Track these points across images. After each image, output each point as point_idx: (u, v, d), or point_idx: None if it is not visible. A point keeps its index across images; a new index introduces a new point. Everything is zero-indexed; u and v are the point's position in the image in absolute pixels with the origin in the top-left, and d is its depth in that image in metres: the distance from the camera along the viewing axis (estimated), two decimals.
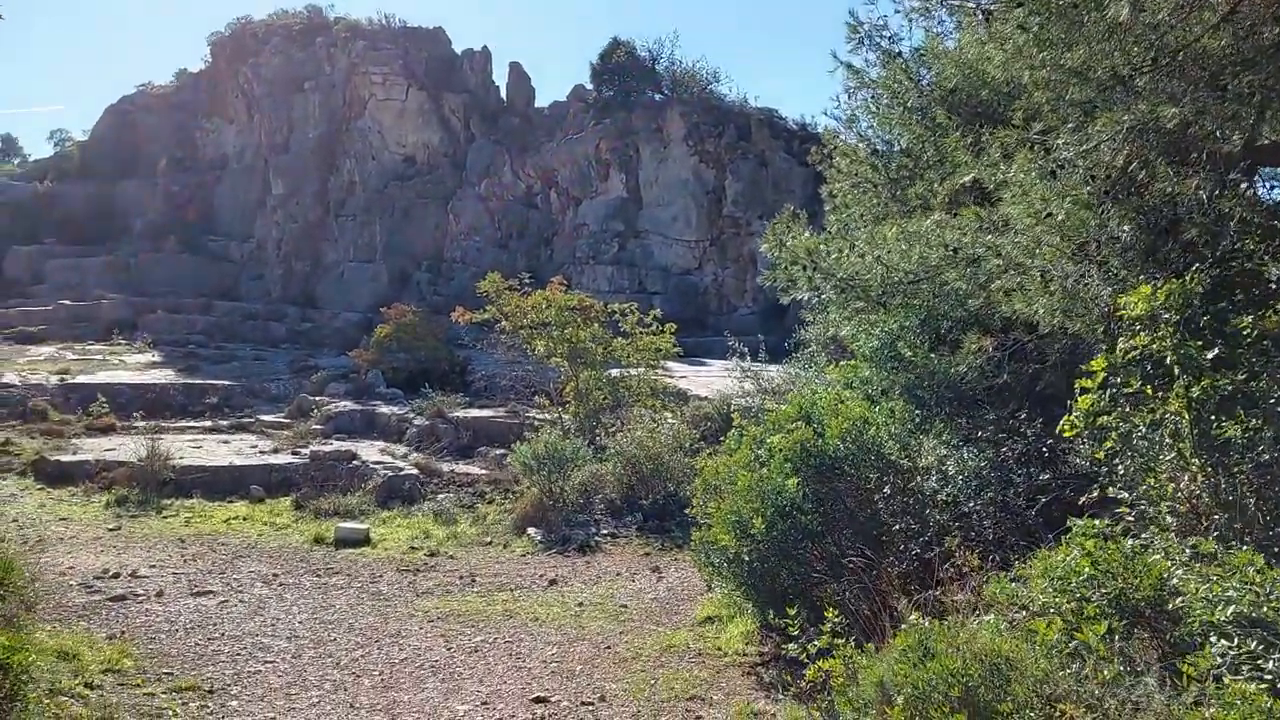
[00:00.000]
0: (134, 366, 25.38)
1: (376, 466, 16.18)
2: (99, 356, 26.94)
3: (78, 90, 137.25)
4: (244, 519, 13.74)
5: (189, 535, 12.54)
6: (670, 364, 19.16)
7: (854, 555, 6.31)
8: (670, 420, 16.01)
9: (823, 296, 8.36)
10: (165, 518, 13.75)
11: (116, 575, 10.00)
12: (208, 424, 20.32)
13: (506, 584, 10.00)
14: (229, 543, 12.13)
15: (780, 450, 6.92)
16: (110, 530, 12.73)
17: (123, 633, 7.81)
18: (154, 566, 10.60)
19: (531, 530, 12.19)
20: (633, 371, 17.50)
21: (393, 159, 39.93)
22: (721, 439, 13.71)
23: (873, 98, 10.63)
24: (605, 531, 12.20)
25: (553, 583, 10.06)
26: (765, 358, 15.89)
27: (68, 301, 34.09)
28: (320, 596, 9.31)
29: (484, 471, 16.52)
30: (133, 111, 48.52)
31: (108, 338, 30.23)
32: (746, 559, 6.75)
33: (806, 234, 8.62)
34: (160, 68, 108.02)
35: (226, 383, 23.17)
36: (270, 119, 42.03)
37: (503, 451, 17.12)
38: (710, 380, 21.45)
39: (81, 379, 22.40)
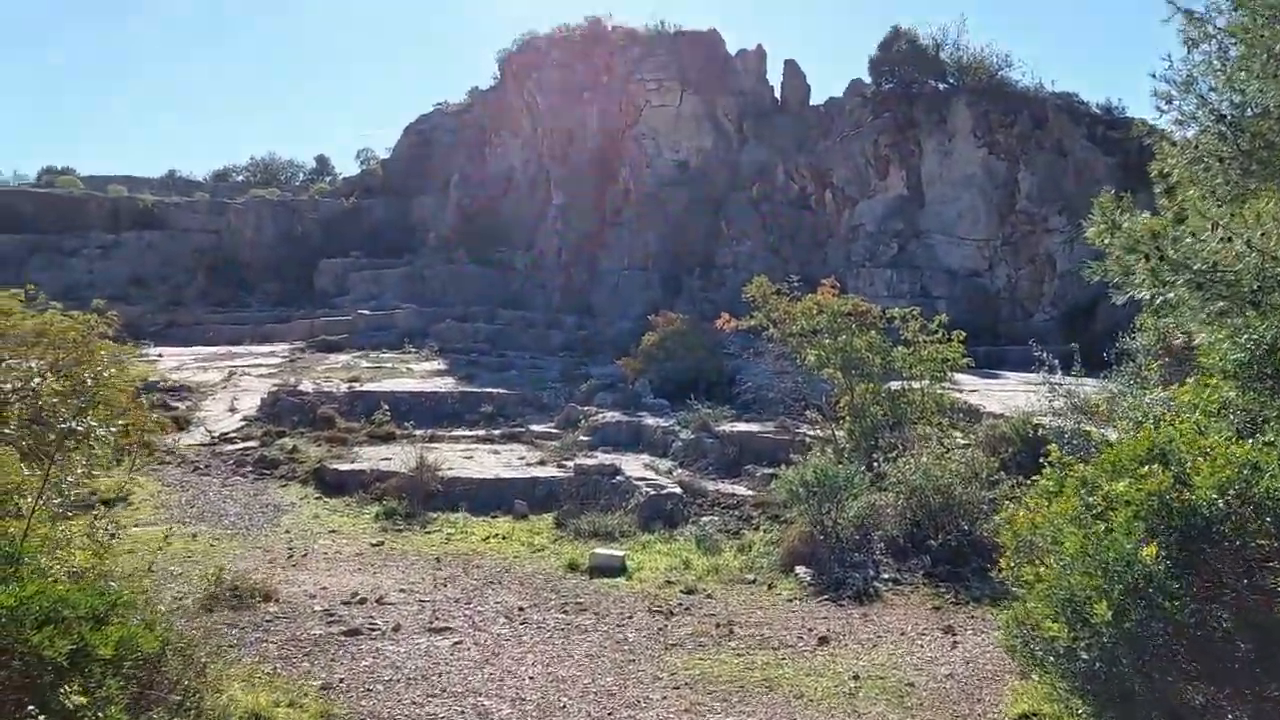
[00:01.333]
0: (419, 374, 26.12)
1: (639, 483, 15.37)
2: (389, 364, 27.98)
3: (385, 112, 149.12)
4: (503, 538, 13.24)
5: (446, 555, 12.13)
6: (958, 376, 17.15)
7: (1239, 654, 4.54)
8: (960, 441, 14.14)
9: (1171, 294, 6.51)
10: (428, 533, 13.51)
11: (363, 601, 9.57)
12: (481, 433, 20.35)
13: (769, 639, 8.68)
14: (483, 565, 11.59)
15: (1130, 504, 5.19)
16: (373, 546, 12.57)
17: (340, 681, 7.20)
18: (403, 590, 10.14)
19: (800, 569, 10.81)
20: (915, 385, 15.68)
21: (666, 165, 39.59)
22: (1026, 469, 11.76)
23: (1219, 50, 8.45)
24: (886, 575, 10.61)
25: (823, 641, 8.63)
26: (1080, 370, 13.63)
27: (366, 311, 36.00)
28: (561, 642, 8.40)
29: (750, 492, 15.32)
30: (429, 130, 51.14)
31: (400, 346, 31.47)
32: (1084, 656, 5.08)
33: (1146, 215, 6.80)
34: (456, 87, 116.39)
35: (501, 391, 23.28)
36: (552, 131, 42.81)
37: (771, 471, 15.79)
38: (1006, 395, 19.19)
39: (369, 387, 23.17)
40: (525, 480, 16.04)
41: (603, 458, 17.30)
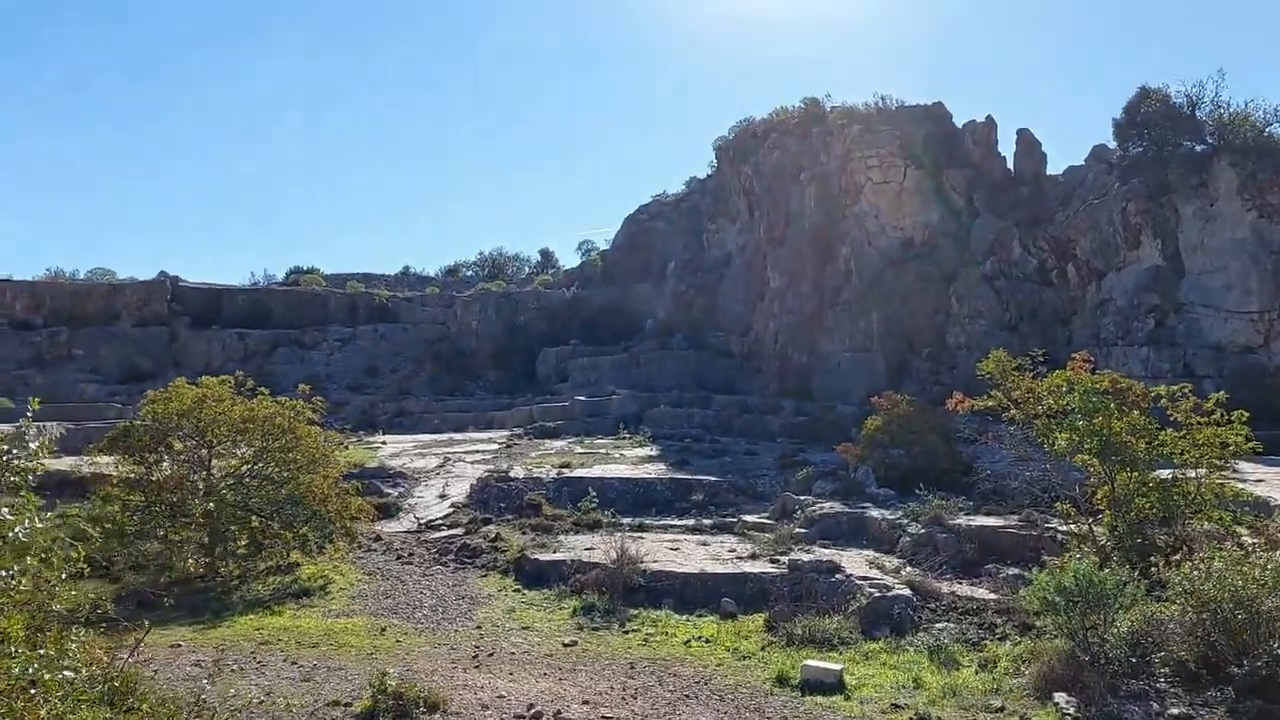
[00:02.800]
0: (630, 460, 25.36)
1: (862, 583, 13.72)
2: (603, 450, 27.42)
3: (606, 206, 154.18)
4: (707, 641, 11.92)
5: (641, 660, 10.91)
6: (1240, 464, 14.55)
7: None
8: (1246, 539, 11.74)
9: None
10: (626, 633, 12.38)
11: (538, 716, 8.47)
12: (690, 522, 19.24)
13: None
14: (681, 674, 10.29)
15: None
16: (565, 646, 11.53)
17: None
18: (587, 703, 8.98)
19: (1060, 697, 8.86)
20: (1189, 474, 13.31)
21: (890, 243, 37.84)
22: None
23: None
24: (1175, 711, 8.46)
25: None
26: None
27: (583, 397, 36.00)
28: None
29: (992, 596, 13.35)
30: (647, 220, 51.86)
31: (615, 432, 31.05)
32: None
33: None
34: (674, 178, 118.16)
35: (713, 478, 22.12)
36: (769, 214, 42.14)
37: (1016, 571, 13.85)
38: None
39: (579, 473, 22.57)
40: (734, 576, 14.71)
41: (820, 553, 15.74)
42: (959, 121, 39.23)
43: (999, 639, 11.48)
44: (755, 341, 41.15)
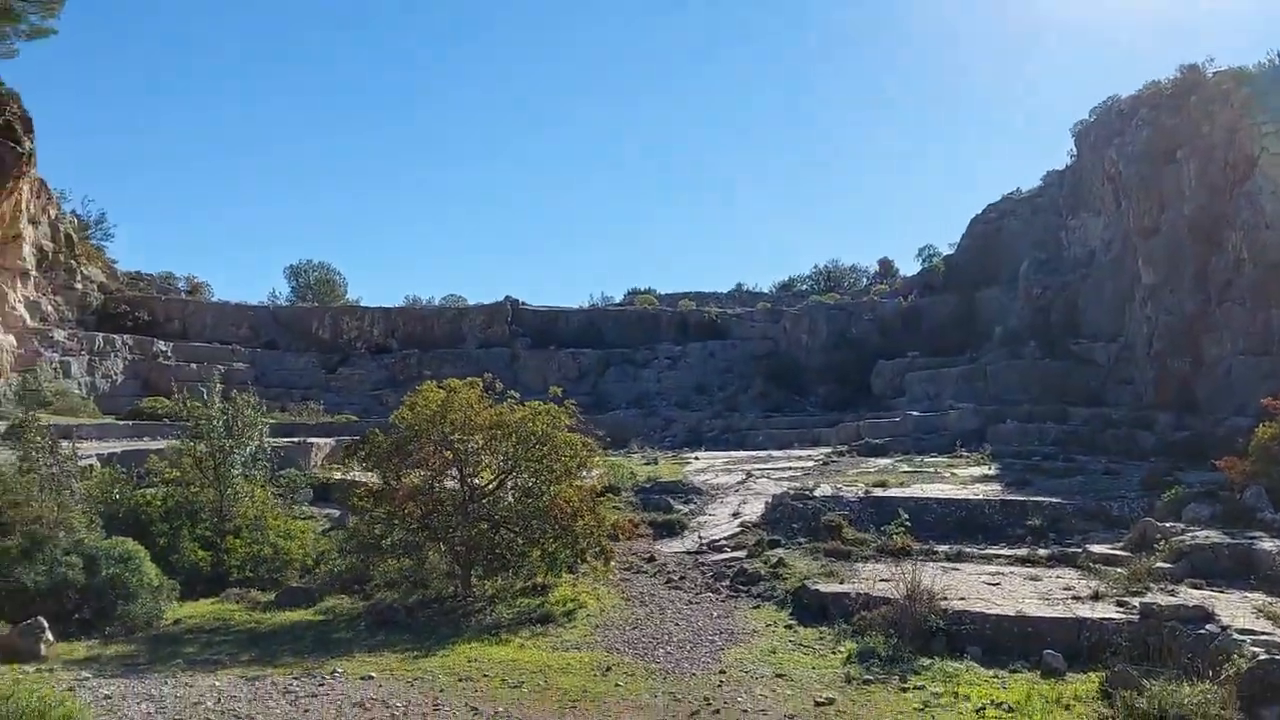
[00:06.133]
0: (959, 480, 22.14)
1: (1242, 638, 10.16)
2: (931, 469, 24.38)
3: (951, 208, 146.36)
4: (1009, 710, 9.06)
5: None
6: None
7: None
8: None
9: None
10: (905, 690, 9.80)
11: None
12: (1023, 552, 16.02)
13: None
14: None
15: None
16: (816, 705, 9.16)
17: None
18: None
19: None
20: None
21: None
22: None
23: None
24: None
25: None
26: None
27: (915, 413, 32.87)
28: None
29: None
30: (996, 219, 47.61)
31: (951, 449, 27.79)
32: None
33: None
34: (1029, 174, 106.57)
35: (1055, 501, 18.50)
36: (1138, 201, 36.58)
37: None
38: None
39: (892, 492, 19.79)
40: (1066, 621, 11.60)
41: (1188, 595, 12.13)
42: None
43: None
44: (1125, 348, 35.73)
